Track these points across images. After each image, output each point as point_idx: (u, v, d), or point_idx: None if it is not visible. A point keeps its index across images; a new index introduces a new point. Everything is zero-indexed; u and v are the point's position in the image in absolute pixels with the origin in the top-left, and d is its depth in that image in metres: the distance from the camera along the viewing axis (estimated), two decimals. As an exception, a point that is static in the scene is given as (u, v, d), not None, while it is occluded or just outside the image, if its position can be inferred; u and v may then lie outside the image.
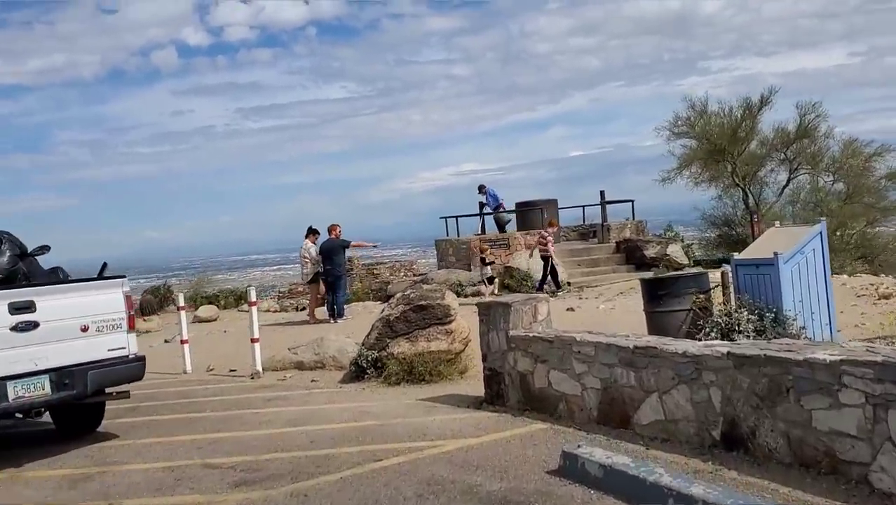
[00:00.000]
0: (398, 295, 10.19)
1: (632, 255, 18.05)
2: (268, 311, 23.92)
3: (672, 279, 8.07)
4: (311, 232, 16.36)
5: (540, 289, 17.41)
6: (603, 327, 11.73)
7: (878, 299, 11.47)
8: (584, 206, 22.82)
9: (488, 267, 16.21)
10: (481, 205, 21.40)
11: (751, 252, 7.88)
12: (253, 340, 11.60)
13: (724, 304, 7.65)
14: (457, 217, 20.63)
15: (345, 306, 16.49)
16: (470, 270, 18.86)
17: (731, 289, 7.66)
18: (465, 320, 10.10)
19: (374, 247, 17.68)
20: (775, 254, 7.21)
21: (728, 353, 5.32)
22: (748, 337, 6.95)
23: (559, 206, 21.46)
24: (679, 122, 19.26)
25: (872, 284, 13.03)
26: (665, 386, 5.82)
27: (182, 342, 12.74)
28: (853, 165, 17.62)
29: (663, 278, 8.26)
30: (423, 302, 9.77)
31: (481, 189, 21.22)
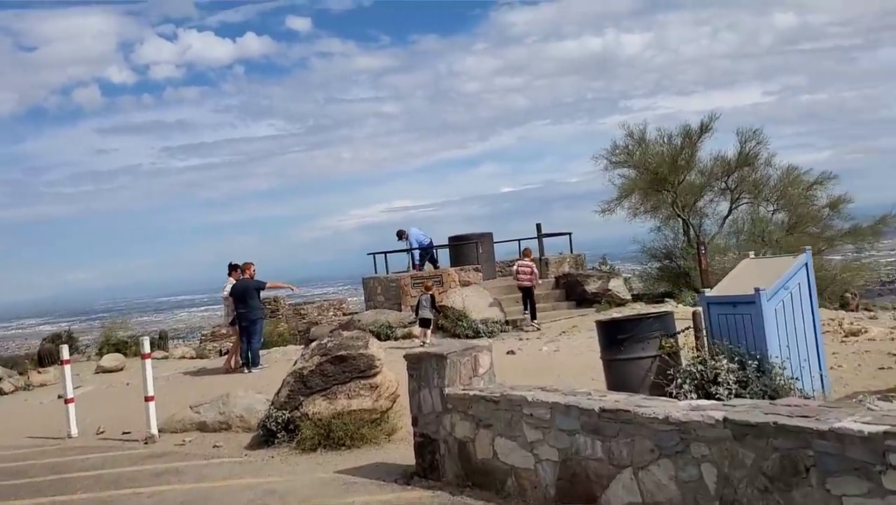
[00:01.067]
0: (313, 345, 8.77)
1: (572, 290, 17.00)
2: (183, 357, 22.04)
3: (634, 321, 6.92)
4: (233, 269, 14.81)
5: (532, 318, 16.26)
6: (549, 373, 10.58)
7: (846, 336, 10.61)
8: (519, 240, 21.78)
9: (428, 309, 14.75)
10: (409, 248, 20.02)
11: (725, 288, 6.77)
12: (147, 399, 9.99)
13: (698, 349, 6.51)
14: (385, 253, 19.29)
15: (261, 353, 14.92)
16: (400, 311, 17.50)
17: (704, 331, 6.53)
18: (394, 370, 8.76)
19: (292, 290, 16.21)
20: (757, 290, 6.11)
21: (724, 419, 4.13)
22: (729, 390, 5.83)
23: (494, 241, 20.38)
24: (617, 151, 18.50)
25: (833, 319, 12.22)
26: (641, 460, 4.60)
27: (66, 402, 10.98)
28: (794, 195, 17.10)
29: (623, 320, 7.11)
30: (342, 352, 8.37)
31: (400, 235, 19.82)
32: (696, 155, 17.86)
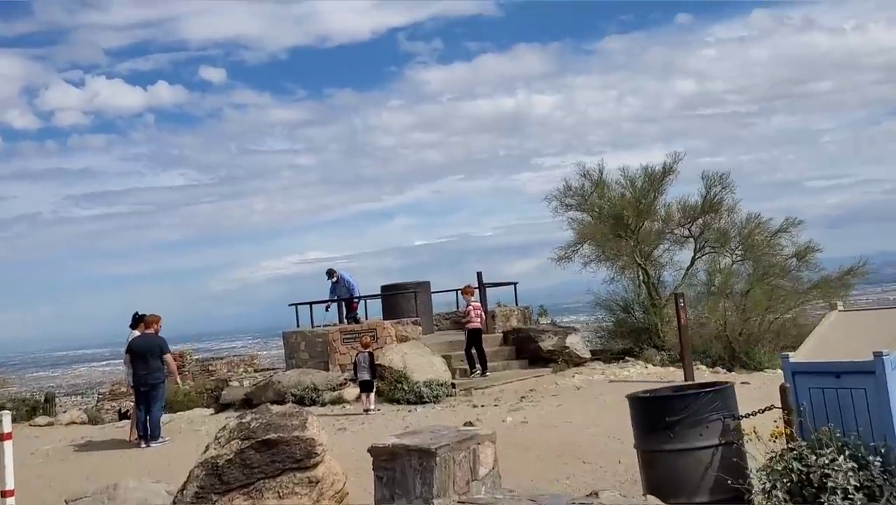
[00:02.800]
0: (231, 424, 6.58)
1: (524, 347, 15.20)
2: (72, 423, 19.06)
3: (685, 397, 5.07)
4: (139, 321, 12.45)
5: (483, 371, 14.38)
6: (525, 454, 8.59)
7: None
8: (457, 291, 19.98)
9: (367, 370, 12.62)
10: (332, 291, 17.94)
11: (818, 351, 5.04)
12: (4, 494, 7.55)
13: (790, 436, 4.70)
14: (310, 304, 17.08)
15: (163, 419, 12.50)
16: (328, 371, 15.31)
17: (793, 411, 4.76)
18: (332, 454, 6.72)
19: (178, 383, 14.35)
20: (878, 354, 4.42)
21: None
22: (850, 501, 4.06)
23: (432, 290, 18.48)
24: (570, 193, 17.00)
25: None
26: None
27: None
28: (758, 242, 15.95)
29: (671, 396, 5.28)
30: (271, 435, 6.25)
31: (331, 274, 17.79)
32: (658, 199, 16.56)
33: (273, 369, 43.01)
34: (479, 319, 14.40)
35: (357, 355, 13.09)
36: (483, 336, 14.53)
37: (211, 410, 17.22)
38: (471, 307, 14.51)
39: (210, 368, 37.52)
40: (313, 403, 14.08)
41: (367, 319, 17.91)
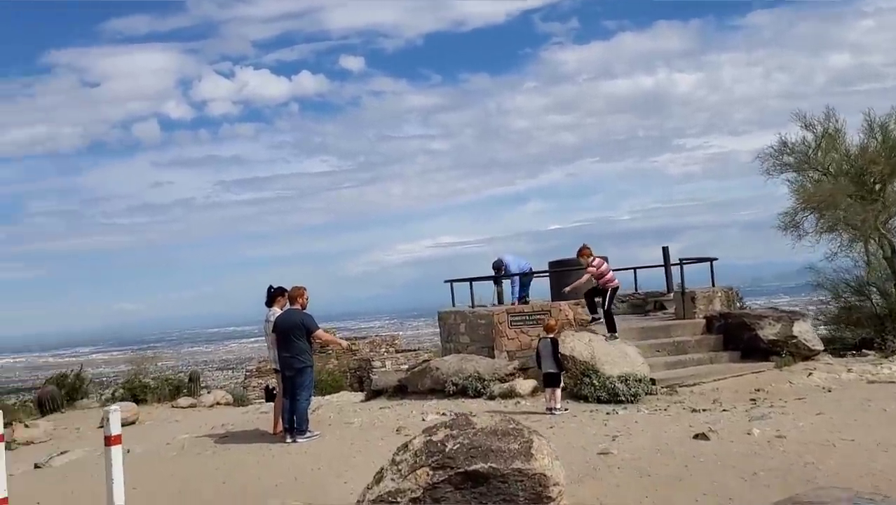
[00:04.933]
0: (417, 443, 4.41)
1: (734, 336, 12.34)
2: (216, 404, 17.92)
3: None
4: (278, 295, 10.70)
5: (612, 331, 12.20)
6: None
7: None
8: (635, 269, 17.29)
9: (551, 360, 10.25)
10: (496, 278, 15.56)
11: None
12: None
13: None
14: (470, 280, 14.93)
15: (310, 411, 10.66)
16: (493, 357, 13.11)
17: None
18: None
19: (343, 347, 12.05)
20: None
21: None
22: None
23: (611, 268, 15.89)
24: (787, 150, 13.78)
25: None
26: None
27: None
28: None
29: None
30: (478, 466, 4.04)
31: (498, 268, 15.33)
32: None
33: (414, 350, 41.90)
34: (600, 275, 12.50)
35: (539, 342, 10.77)
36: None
37: (361, 397, 15.46)
38: (604, 266, 12.39)
39: (353, 347, 36.63)
40: (478, 394, 11.95)
41: (526, 300, 15.45)
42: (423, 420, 10.48)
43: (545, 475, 3.96)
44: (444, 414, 10.78)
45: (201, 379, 25.00)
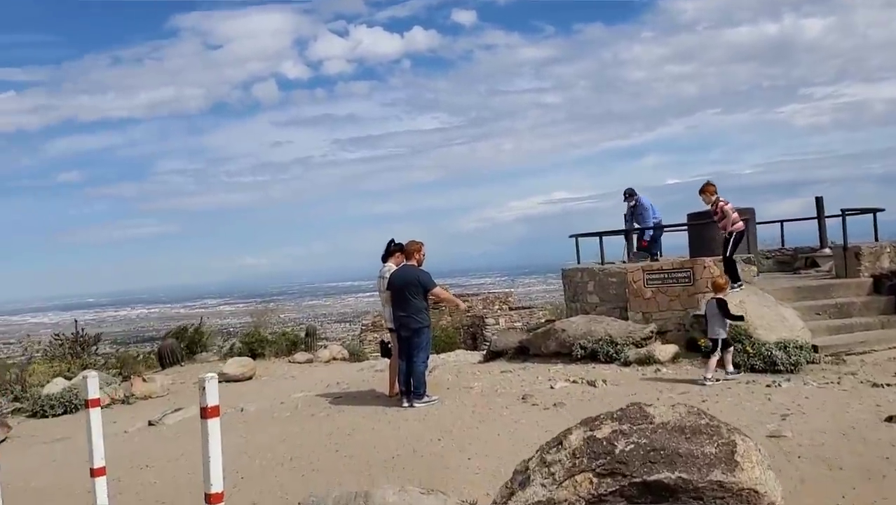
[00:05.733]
0: (575, 438, 3.41)
1: (911, 298, 10.71)
2: (332, 360, 17.60)
3: None
4: (394, 250, 9.94)
5: (735, 281, 10.95)
6: None
7: None
8: (781, 222, 15.58)
9: (720, 323, 9.02)
10: (629, 218, 14.38)
11: None
12: (93, 473, 5.16)
13: None
14: (599, 234, 13.70)
15: (427, 373, 9.84)
16: (626, 319, 11.93)
17: None
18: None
19: (459, 307, 11.12)
20: None
21: None
22: None
23: (756, 220, 14.32)
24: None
25: None
26: None
27: (94, 473, 6.29)
28: None
29: None
30: (661, 475, 3.01)
31: (630, 195, 14.24)
32: None
33: (528, 308, 40.96)
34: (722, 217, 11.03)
35: (707, 303, 9.52)
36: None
37: (477, 357, 14.64)
38: (728, 205, 10.87)
39: (468, 306, 36.04)
40: (610, 360, 10.85)
41: (660, 255, 14.08)
42: (552, 388, 9.50)
43: (756, 492, 2.90)
44: (574, 381, 9.76)
45: (319, 332, 24.87)
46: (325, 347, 18.86)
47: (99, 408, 6.24)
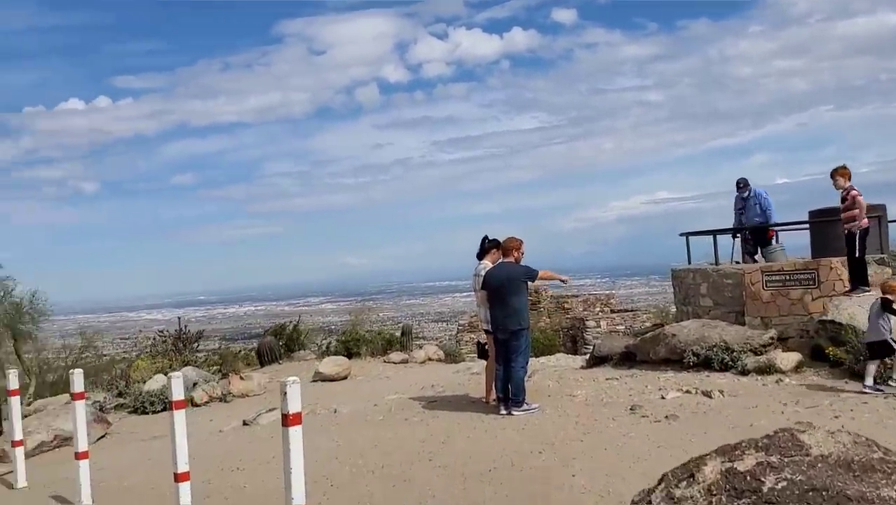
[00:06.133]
0: (709, 471, 2.81)
1: None
2: (428, 360, 17.29)
3: None
4: (490, 247, 9.45)
5: (861, 284, 10.05)
6: None
7: None
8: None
9: (883, 325, 8.09)
10: (740, 212, 13.37)
11: None
12: (177, 478, 4.93)
13: None
14: (713, 232, 12.78)
15: (526, 379, 9.29)
16: (743, 324, 11.03)
17: None
18: None
19: (564, 281, 10.24)
20: None
21: None
22: None
23: (888, 217, 13.07)
24: None
25: None
26: None
27: (178, 478, 6.03)
28: None
29: None
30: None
31: (743, 185, 13.23)
32: None
33: (630, 311, 39.65)
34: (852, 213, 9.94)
35: (871, 304, 8.60)
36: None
37: (580, 362, 13.97)
38: (860, 196, 9.87)
39: (565, 305, 34.99)
40: (725, 368, 10.01)
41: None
42: (663, 398, 8.79)
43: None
44: (687, 391, 9.01)
45: (415, 332, 24.64)
46: (421, 347, 18.55)
47: (183, 410, 6.04)
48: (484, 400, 9.61)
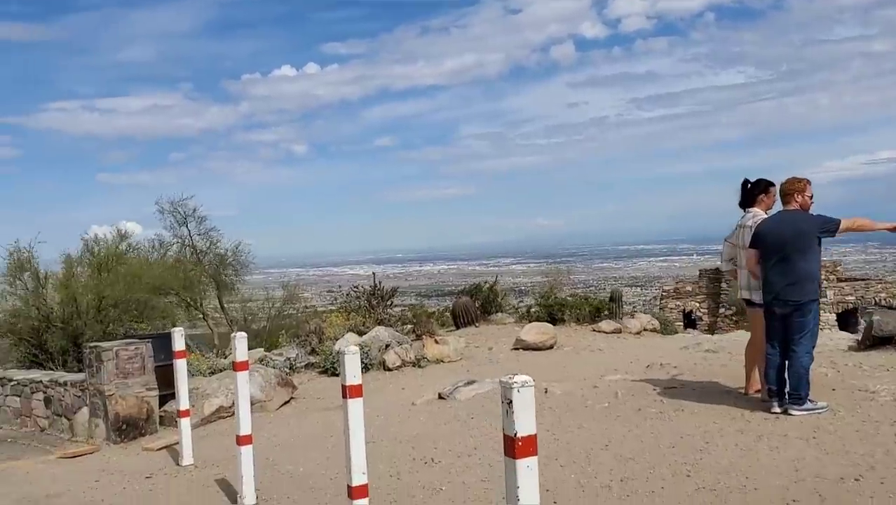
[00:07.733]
0: None
1: None
2: (643, 331, 15.19)
3: None
4: (758, 193, 7.22)
5: None
6: None
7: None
8: None
9: None
10: None
11: None
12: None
13: None
14: None
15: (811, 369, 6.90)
16: None
17: None
18: None
19: (892, 230, 7.37)
20: None
21: None
22: None
23: None
24: None
25: None
26: None
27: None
28: None
29: None
30: None
31: None
32: None
33: (863, 279, 34.81)
34: None
35: None
36: None
37: (847, 341, 11.19)
38: None
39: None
40: None
41: None
42: None
43: None
44: None
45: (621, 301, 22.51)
46: (633, 315, 16.42)
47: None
48: (742, 391, 7.42)
